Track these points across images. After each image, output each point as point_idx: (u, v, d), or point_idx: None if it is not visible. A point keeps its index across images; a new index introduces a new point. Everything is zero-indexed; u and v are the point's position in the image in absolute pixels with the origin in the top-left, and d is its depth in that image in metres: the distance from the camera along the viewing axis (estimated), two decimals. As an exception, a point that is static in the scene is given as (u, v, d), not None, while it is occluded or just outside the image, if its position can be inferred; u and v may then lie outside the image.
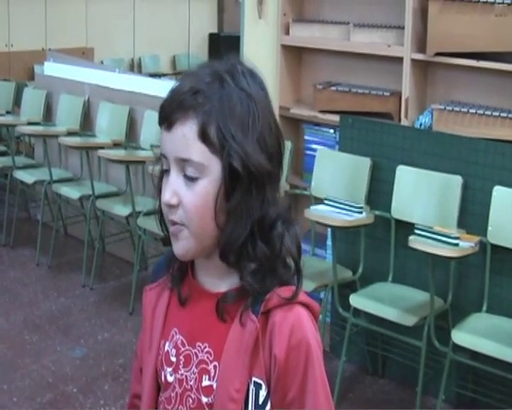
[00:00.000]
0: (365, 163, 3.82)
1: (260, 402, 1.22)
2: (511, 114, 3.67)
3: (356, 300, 3.53)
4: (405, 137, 3.74)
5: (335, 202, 3.58)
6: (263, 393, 1.22)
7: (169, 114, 1.21)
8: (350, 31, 4.29)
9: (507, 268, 3.39)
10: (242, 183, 1.19)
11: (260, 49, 4.52)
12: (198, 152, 1.19)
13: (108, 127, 5.37)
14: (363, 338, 3.88)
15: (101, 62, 8.19)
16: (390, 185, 3.71)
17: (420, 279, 3.58)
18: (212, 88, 1.20)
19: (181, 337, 1.30)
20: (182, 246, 1.24)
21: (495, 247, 3.37)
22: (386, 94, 4.15)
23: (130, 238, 5.17)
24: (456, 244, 3.16)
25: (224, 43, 9.28)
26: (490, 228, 3.36)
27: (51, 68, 6.12)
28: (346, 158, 3.94)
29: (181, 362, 1.29)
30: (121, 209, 4.81)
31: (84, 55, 8.01)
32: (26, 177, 5.49)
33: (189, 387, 1.28)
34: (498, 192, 3.36)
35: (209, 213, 1.20)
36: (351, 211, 3.54)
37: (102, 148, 4.87)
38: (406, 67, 3.96)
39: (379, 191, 3.80)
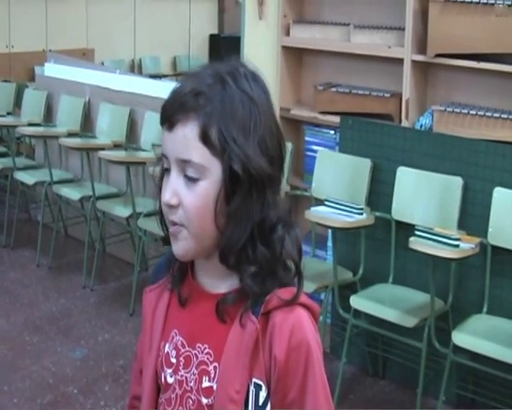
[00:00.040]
0: (366, 164, 3.82)
1: (260, 403, 1.22)
2: (511, 115, 3.68)
3: (356, 301, 3.53)
4: (406, 139, 3.74)
5: (336, 203, 3.58)
6: (263, 394, 1.22)
7: (170, 114, 1.21)
8: (350, 32, 4.29)
9: (507, 269, 3.39)
10: (243, 186, 1.19)
11: (261, 51, 4.52)
12: (199, 153, 1.19)
13: (109, 128, 5.37)
14: (364, 339, 3.88)
15: (102, 63, 8.18)
16: (390, 187, 3.71)
17: (420, 281, 3.58)
18: (214, 90, 1.20)
19: (181, 339, 1.30)
20: (181, 246, 1.24)
21: (495, 248, 3.37)
22: (387, 95, 4.16)
23: (130, 239, 5.17)
24: (457, 246, 3.16)
25: (225, 45, 9.28)
26: (490, 229, 3.36)
27: (52, 69, 6.12)
28: (346, 159, 3.94)
29: (181, 363, 1.29)
30: (122, 210, 4.81)
31: (84, 56, 8.01)
32: (27, 178, 5.49)
33: (189, 388, 1.27)
34: (499, 193, 3.36)
35: (209, 214, 1.20)
36: (351, 212, 3.54)
37: (103, 149, 4.87)
38: (407, 68, 3.96)
39: (379, 192, 3.80)
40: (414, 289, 3.63)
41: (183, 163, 1.20)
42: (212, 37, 10.00)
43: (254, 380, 1.21)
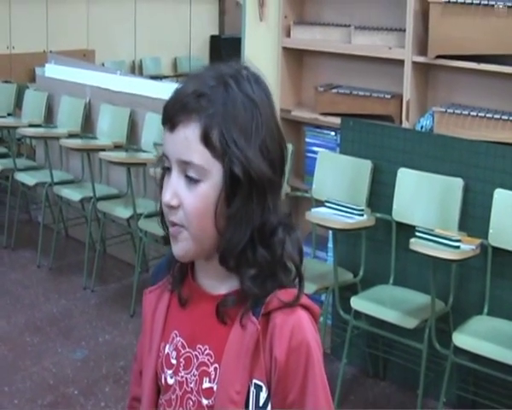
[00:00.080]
0: (366, 166, 3.82)
1: (261, 404, 1.22)
2: (512, 116, 3.68)
3: (357, 302, 3.53)
4: (406, 140, 3.74)
5: (336, 204, 3.58)
6: (263, 395, 1.22)
7: (172, 115, 1.21)
8: (351, 33, 4.29)
9: (508, 271, 3.39)
10: (243, 189, 1.19)
11: (261, 52, 4.52)
12: (199, 155, 1.19)
13: (109, 129, 5.37)
14: (364, 341, 3.88)
15: (103, 64, 8.18)
16: (391, 188, 3.71)
17: (421, 282, 3.58)
18: (217, 92, 1.20)
19: (181, 340, 1.30)
20: (181, 247, 1.24)
21: (496, 249, 3.37)
22: (388, 96, 4.15)
23: (131, 240, 5.17)
24: (457, 247, 3.16)
25: (225, 46, 9.28)
26: (491, 231, 3.36)
27: (52, 70, 6.13)
28: (347, 160, 3.94)
29: (181, 364, 1.29)
30: (122, 211, 4.81)
31: (85, 57, 8.01)
32: (27, 179, 5.49)
33: (189, 389, 1.27)
34: (499, 195, 3.36)
35: (209, 216, 1.20)
36: (352, 213, 3.54)
37: (103, 150, 4.87)
38: (407, 69, 3.96)
39: (380, 194, 3.80)
40: (414, 290, 3.63)
41: (184, 164, 1.20)
42: (212, 38, 10.00)
43: (255, 381, 1.21)
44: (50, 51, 7.51)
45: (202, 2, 9.74)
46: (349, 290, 3.71)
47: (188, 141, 1.19)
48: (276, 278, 1.23)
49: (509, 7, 3.61)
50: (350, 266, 3.86)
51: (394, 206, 3.70)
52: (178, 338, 1.30)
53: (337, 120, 4.13)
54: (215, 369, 1.24)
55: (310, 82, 4.63)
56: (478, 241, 3.28)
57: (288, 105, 4.58)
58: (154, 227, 4.37)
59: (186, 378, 1.28)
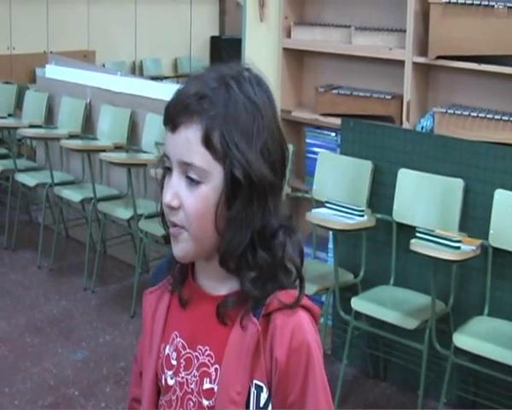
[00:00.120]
0: (367, 166, 3.83)
1: (261, 405, 1.22)
2: (513, 117, 3.68)
3: (357, 303, 3.53)
4: (407, 141, 3.74)
5: (337, 205, 3.58)
6: (264, 395, 1.22)
7: (174, 116, 1.21)
8: (351, 34, 4.28)
9: (508, 271, 3.39)
10: (244, 192, 1.19)
11: (262, 53, 4.52)
12: (200, 157, 1.19)
13: (110, 130, 5.37)
14: (365, 341, 3.88)
15: (103, 65, 8.18)
16: (391, 188, 3.71)
17: (421, 282, 3.58)
18: (218, 94, 1.19)
19: (181, 340, 1.30)
20: (181, 248, 1.24)
21: (496, 250, 3.37)
22: (388, 97, 4.15)
23: (131, 241, 5.17)
24: (458, 247, 3.16)
25: (226, 46, 9.28)
26: (491, 231, 3.36)
27: (53, 71, 6.13)
28: (347, 161, 3.94)
29: (182, 365, 1.29)
30: (123, 212, 4.81)
31: (85, 57, 8.01)
32: (28, 179, 5.49)
33: (189, 390, 1.27)
34: (500, 195, 3.36)
35: (209, 218, 1.20)
36: (352, 214, 3.54)
37: (104, 151, 4.87)
38: (408, 70, 3.96)
39: (380, 194, 3.80)
40: (415, 291, 3.63)
41: (185, 165, 1.20)
42: (213, 39, 10.00)
43: (255, 382, 1.21)
44: (51, 52, 7.51)
45: (203, 3, 9.74)
46: (349, 291, 3.71)
47: (189, 142, 1.19)
48: (277, 279, 1.23)
49: (509, 7, 3.61)
50: (350, 267, 3.86)
51: (395, 206, 3.70)
52: (179, 339, 1.30)
53: (337, 121, 4.13)
54: (216, 370, 1.24)
55: (310, 83, 4.63)
56: (478, 241, 3.28)
57: (288, 106, 4.58)
58: (154, 228, 4.37)
59: (186, 379, 1.28)
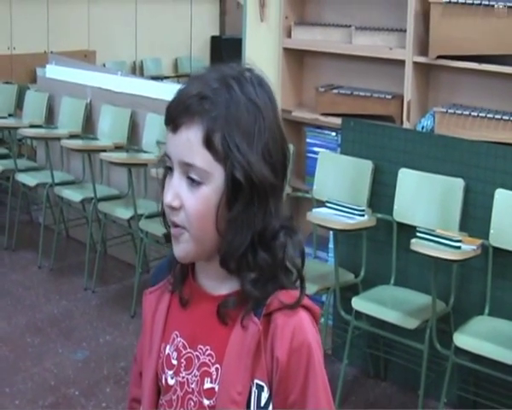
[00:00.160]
0: (367, 166, 3.82)
1: (262, 404, 1.22)
2: (513, 116, 3.68)
3: (358, 303, 3.53)
4: (407, 140, 3.74)
5: (337, 204, 3.58)
6: (265, 395, 1.22)
7: (175, 116, 1.21)
8: (352, 34, 4.28)
9: (509, 271, 3.39)
10: (244, 194, 1.19)
11: (262, 52, 4.52)
12: (202, 158, 1.18)
13: (110, 130, 5.37)
14: (365, 341, 3.88)
15: (103, 65, 8.18)
16: (392, 188, 3.71)
17: (422, 282, 3.58)
18: (220, 95, 1.19)
19: (182, 340, 1.30)
20: (182, 248, 1.24)
21: (497, 250, 3.37)
22: (388, 97, 4.15)
23: (132, 241, 5.17)
24: (458, 247, 3.16)
25: (226, 46, 9.28)
26: (492, 231, 3.36)
27: (53, 71, 6.13)
28: (347, 161, 3.94)
29: (182, 365, 1.29)
30: (123, 212, 4.81)
31: (86, 57, 8.01)
32: (28, 179, 5.49)
33: (190, 390, 1.27)
34: (500, 195, 3.36)
35: (210, 218, 1.20)
36: (353, 214, 3.54)
37: (104, 151, 4.87)
38: (408, 70, 3.96)
39: (381, 194, 3.80)
40: (415, 290, 3.63)
41: (186, 166, 1.20)
42: (213, 38, 10.00)
43: (256, 381, 1.21)
44: (51, 52, 7.52)
45: (203, 3, 9.74)
46: (350, 291, 3.71)
47: (190, 143, 1.19)
48: (277, 280, 1.23)
49: (509, 7, 3.61)
50: (351, 267, 3.86)
51: (395, 206, 3.70)
52: (179, 339, 1.30)
53: (338, 121, 4.13)
54: (216, 369, 1.24)
55: (310, 82, 4.63)
56: (479, 241, 3.28)
57: (288, 106, 4.58)
58: (154, 228, 4.38)
59: (187, 379, 1.28)
